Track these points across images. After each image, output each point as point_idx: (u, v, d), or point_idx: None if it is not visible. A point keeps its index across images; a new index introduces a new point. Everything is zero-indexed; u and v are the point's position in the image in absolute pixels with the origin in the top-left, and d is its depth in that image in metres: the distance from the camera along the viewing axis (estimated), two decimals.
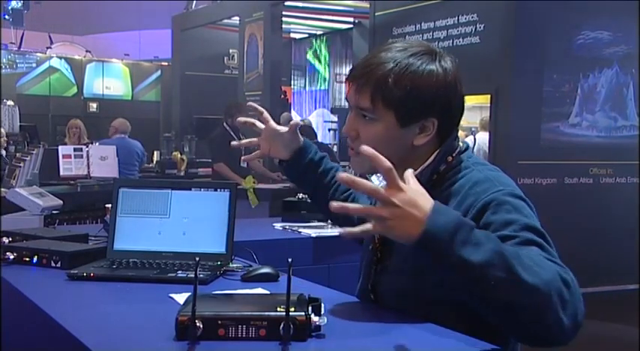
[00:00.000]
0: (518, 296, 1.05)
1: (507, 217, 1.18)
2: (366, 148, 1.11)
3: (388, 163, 1.08)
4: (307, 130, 7.11)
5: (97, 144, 6.41)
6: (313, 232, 2.81)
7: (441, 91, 1.30)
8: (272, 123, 1.66)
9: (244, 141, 1.74)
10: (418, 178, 1.32)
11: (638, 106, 5.42)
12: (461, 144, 1.37)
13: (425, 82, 1.29)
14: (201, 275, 1.58)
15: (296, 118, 10.55)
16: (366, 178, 1.50)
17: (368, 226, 1.09)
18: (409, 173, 1.14)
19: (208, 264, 1.73)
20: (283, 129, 1.66)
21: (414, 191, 1.09)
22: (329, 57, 12.62)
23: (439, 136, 1.34)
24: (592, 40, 5.19)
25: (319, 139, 7.71)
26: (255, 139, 1.70)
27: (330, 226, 2.91)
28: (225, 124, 6.35)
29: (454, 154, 1.34)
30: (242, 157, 1.48)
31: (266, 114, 1.67)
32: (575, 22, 5.15)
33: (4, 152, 6.07)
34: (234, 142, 1.82)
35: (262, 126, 1.67)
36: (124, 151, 6.50)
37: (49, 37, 13.83)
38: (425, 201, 1.09)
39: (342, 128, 1.39)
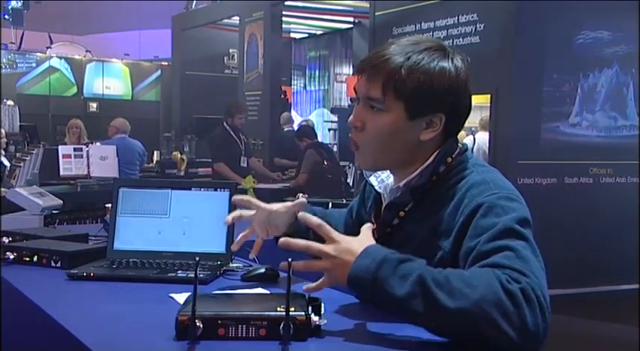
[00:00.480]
0: (444, 322, 1.06)
1: (491, 222, 1.18)
2: (282, 241, 1.22)
3: (317, 220, 1.21)
4: (308, 130, 7.11)
5: (99, 144, 6.41)
6: None
7: (452, 88, 1.31)
8: (263, 206, 1.54)
9: (241, 239, 1.57)
10: (418, 179, 1.33)
11: (638, 106, 5.42)
12: (460, 145, 1.37)
13: (437, 77, 1.29)
14: (201, 275, 1.58)
15: (296, 118, 10.56)
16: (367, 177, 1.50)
17: (320, 281, 1.20)
18: (366, 227, 1.25)
19: (208, 264, 1.74)
20: (279, 208, 1.53)
21: (348, 241, 1.18)
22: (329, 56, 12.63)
23: (445, 134, 1.34)
24: (592, 39, 5.19)
25: (319, 138, 7.70)
26: (248, 232, 1.57)
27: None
28: (225, 123, 6.35)
29: (454, 155, 1.34)
30: (233, 246, 1.40)
31: (254, 200, 1.55)
32: (575, 22, 5.15)
33: (3, 152, 6.08)
34: (233, 246, 1.61)
35: (250, 213, 1.55)
36: (126, 151, 6.50)
37: (49, 36, 13.83)
38: (359, 247, 1.16)
39: (349, 120, 1.36)
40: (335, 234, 1.20)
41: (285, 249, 1.23)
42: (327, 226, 1.21)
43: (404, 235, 1.34)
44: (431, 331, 1.11)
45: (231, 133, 6.27)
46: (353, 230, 1.44)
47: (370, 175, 1.47)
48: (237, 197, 1.59)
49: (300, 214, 1.28)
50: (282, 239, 1.23)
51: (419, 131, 1.32)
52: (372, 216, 1.45)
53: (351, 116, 1.36)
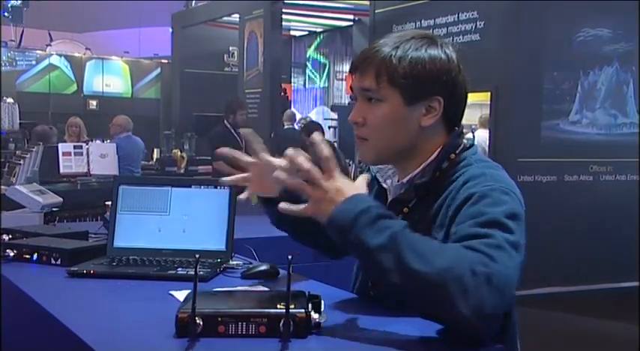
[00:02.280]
0: (406, 281, 1.08)
1: (478, 210, 1.18)
2: (314, 137, 1.19)
3: (327, 152, 1.19)
4: (315, 126, 7.07)
5: (106, 143, 6.39)
6: None
7: (445, 69, 1.31)
8: (265, 156, 1.41)
9: (231, 178, 1.44)
10: (421, 175, 1.32)
11: (638, 104, 5.42)
12: (465, 141, 1.37)
13: (428, 61, 1.30)
14: (201, 272, 1.58)
15: (297, 115, 10.55)
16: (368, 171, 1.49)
17: (302, 205, 1.20)
18: (361, 177, 1.26)
19: (208, 261, 1.74)
20: (280, 162, 1.34)
21: (344, 182, 1.20)
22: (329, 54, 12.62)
23: (445, 119, 1.34)
24: (592, 37, 5.19)
25: None
26: (240, 177, 1.44)
27: None
28: (225, 121, 6.30)
29: (457, 152, 1.34)
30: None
31: (257, 144, 1.42)
32: (575, 20, 5.15)
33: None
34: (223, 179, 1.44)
35: (247, 159, 1.43)
36: (132, 149, 6.50)
37: (49, 34, 13.82)
38: (351, 191, 1.18)
39: (349, 117, 1.36)
40: (335, 172, 1.20)
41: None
42: (334, 162, 1.20)
43: None
44: (393, 287, 1.12)
45: (232, 130, 6.25)
46: None
47: (376, 172, 1.46)
48: (245, 131, 1.47)
49: (314, 135, 1.23)
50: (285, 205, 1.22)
51: (419, 117, 1.32)
52: None
53: (351, 113, 1.36)
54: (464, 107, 1.37)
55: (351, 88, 1.38)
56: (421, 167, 1.34)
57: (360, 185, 1.23)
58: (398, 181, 1.39)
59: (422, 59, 1.30)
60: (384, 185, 1.44)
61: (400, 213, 1.35)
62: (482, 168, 1.30)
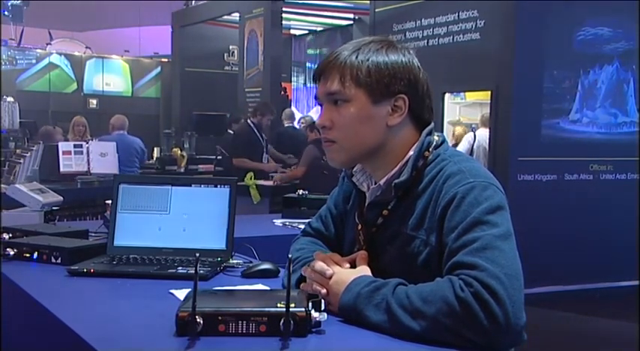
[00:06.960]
0: (415, 338, 1.14)
1: (462, 215, 1.22)
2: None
3: (318, 267, 1.31)
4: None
5: (96, 140, 6.40)
6: None
7: (407, 67, 1.34)
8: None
9: None
10: (399, 175, 1.32)
11: (639, 103, 5.42)
12: (436, 138, 1.38)
13: (389, 60, 1.33)
14: (201, 271, 1.58)
15: (297, 114, 10.56)
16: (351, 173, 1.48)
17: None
18: (360, 254, 1.35)
19: (208, 260, 1.74)
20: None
21: (342, 272, 1.30)
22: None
23: (412, 117, 1.36)
24: (592, 36, 5.19)
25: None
26: None
27: None
28: (249, 120, 6.44)
29: (430, 149, 1.35)
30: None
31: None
32: (575, 19, 5.15)
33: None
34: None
35: None
36: (122, 148, 6.50)
37: (49, 33, 13.82)
38: (350, 277, 1.27)
39: (316, 122, 1.39)
40: (334, 269, 1.30)
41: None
42: (328, 263, 1.32)
43: (389, 233, 1.35)
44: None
45: (255, 130, 6.38)
46: (338, 222, 1.54)
47: (352, 176, 1.46)
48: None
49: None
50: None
51: (385, 116, 1.34)
52: (355, 216, 1.44)
53: (318, 118, 1.38)
54: (429, 105, 1.39)
55: (316, 97, 1.39)
56: (398, 167, 1.35)
57: (360, 269, 1.31)
58: (375, 184, 1.40)
59: (383, 60, 1.33)
60: (362, 188, 1.44)
61: (380, 216, 1.36)
62: (457, 163, 1.31)
